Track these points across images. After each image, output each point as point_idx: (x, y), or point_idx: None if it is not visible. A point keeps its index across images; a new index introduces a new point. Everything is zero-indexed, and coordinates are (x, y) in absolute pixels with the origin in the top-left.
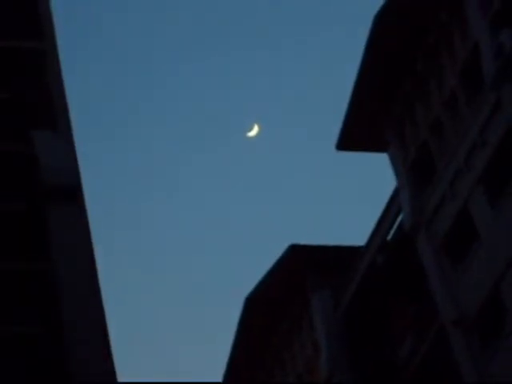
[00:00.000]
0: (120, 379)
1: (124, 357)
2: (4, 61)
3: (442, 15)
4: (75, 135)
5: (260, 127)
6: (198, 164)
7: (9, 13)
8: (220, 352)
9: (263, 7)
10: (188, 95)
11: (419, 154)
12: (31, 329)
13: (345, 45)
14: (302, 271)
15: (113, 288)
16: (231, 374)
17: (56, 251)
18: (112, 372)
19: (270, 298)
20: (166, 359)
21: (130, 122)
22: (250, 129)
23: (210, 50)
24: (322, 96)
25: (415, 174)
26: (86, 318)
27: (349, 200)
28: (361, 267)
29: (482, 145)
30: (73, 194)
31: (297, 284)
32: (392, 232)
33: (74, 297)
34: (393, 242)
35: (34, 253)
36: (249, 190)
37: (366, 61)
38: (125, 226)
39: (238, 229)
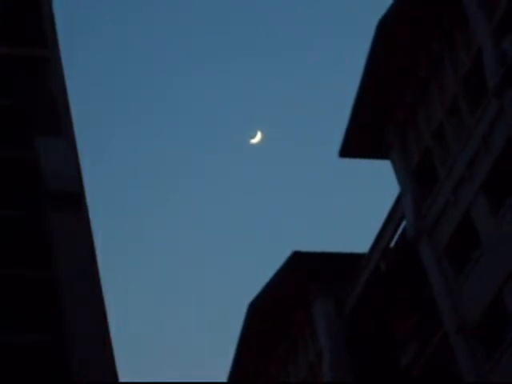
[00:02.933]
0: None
1: (128, 360)
2: (7, 67)
3: (445, 22)
4: (78, 141)
5: (263, 134)
6: (202, 171)
7: (11, 20)
8: (223, 359)
9: (265, 16)
10: (191, 103)
11: (422, 161)
12: (33, 335)
13: (348, 52)
14: (304, 278)
15: (117, 291)
16: (234, 380)
17: (58, 258)
18: (114, 375)
19: (273, 304)
20: (170, 365)
21: (134, 131)
22: (254, 136)
23: (213, 59)
24: (324, 103)
25: (418, 180)
26: (88, 324)
27: (351, 207)
28: (364, 274)
29: (485, 152)
30: (75, 200)
31: (300, 291)
32: (395, 239)
33: (76, 302)
34: (396, 249)
35: (36, 260)
36: (252, 197)
37: (369, 68)
38: (129, 233)
39: (240, 235)
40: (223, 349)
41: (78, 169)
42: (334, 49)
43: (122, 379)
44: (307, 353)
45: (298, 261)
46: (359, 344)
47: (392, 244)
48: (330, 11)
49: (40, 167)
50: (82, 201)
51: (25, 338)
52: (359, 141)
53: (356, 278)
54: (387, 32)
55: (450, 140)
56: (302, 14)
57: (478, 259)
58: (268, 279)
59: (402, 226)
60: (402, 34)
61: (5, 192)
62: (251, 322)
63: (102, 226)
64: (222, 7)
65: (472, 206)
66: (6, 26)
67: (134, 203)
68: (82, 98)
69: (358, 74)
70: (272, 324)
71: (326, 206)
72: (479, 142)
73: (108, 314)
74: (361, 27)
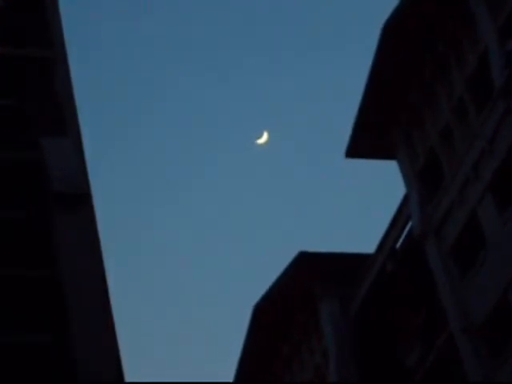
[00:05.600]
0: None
1: (133, 362)
2: (13, 69)
3: (451, 22)
4: (85, 143)
5: (269, 135)
6: (208, 172)
7: (17, 21)
8: (229, 360)
9: (274, 14)
10: (195, 103)
11: (428, 162)
12: (35, 336)
13: (354, 53)
14: (311, 279)
15: (118, 292)
16: (240, 381)
17: (61, 259)
18: (119, 375)
19: (278, 305)
20: (173, 366)
21: (135, 131)
22: (260, 136)
23: (218, 57)
24: (331, 103)
25: (424, 181)
26: (92, 324)
27: (358, 207)
28: (370, 274)
29: (491, 152)
30: (79, 201)
31: (306, 291)
32: (401, 239)
33: (80, 302)
34: (402, 250)
35: (39, 260)
36: (258, 198)
37: (375, 68)
38: (135, 233)
39: (247, 236)
40: (229, 350)
41: (83, 169)
42: (341, 50)
43: (127, 379)
44: (313, 353)
45: (304, 261)
46: (365, 344)
47: (398, 244)
48: (337, 13)
49: (45, 168)
50: (88, 201)
51: (27, 339)
52: (365, 141)
53: (362, 279)
54: (393, 33)
55: (456, 140)
56: (310, 14)
57: (484, 259)
58: (273, 279)
59: (408, 227)
60: (407, 34)
61: (9, 192)
62: (257, 322)
63: (102, 226)
64: (229, 5)
65: (478, 206)
66: (12, 27)
67: (134, 203)
68: (81, 98)
69: (365, 75)
70: (277, 324)
71: (332, 207)
72: (485, 142)
73: (115, 313)
74: (367, 29)
